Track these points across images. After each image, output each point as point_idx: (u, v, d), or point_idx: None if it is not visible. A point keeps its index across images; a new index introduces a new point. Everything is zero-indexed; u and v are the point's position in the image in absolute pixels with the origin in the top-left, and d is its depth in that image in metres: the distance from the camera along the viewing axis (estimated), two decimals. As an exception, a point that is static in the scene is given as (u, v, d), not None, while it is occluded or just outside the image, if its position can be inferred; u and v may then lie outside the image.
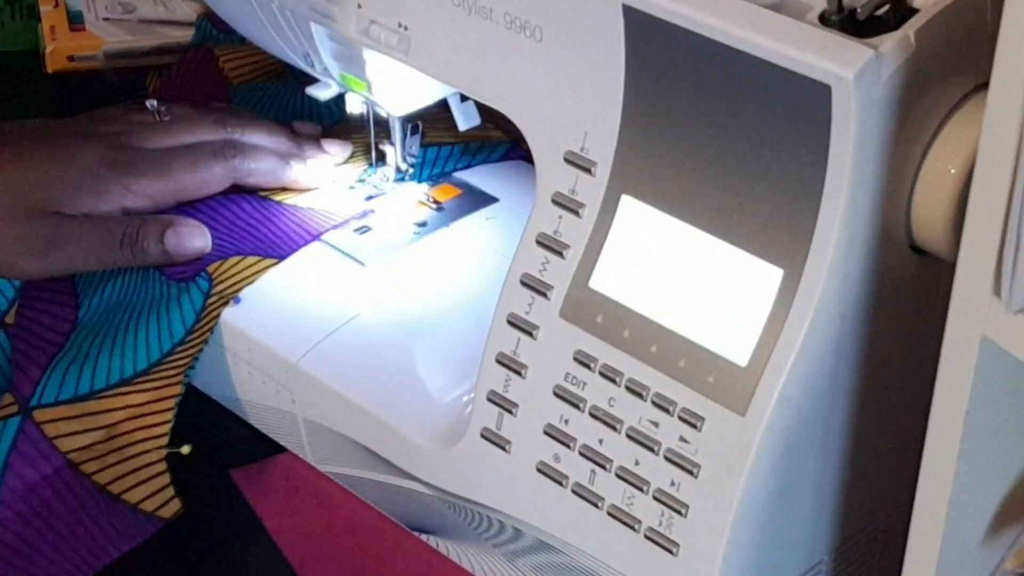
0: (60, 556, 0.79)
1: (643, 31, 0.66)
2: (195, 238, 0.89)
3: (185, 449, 0.84)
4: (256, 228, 0.91)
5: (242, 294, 0.87)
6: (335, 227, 0.92)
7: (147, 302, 0.88)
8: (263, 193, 0.94)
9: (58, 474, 0.82)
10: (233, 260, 0.89)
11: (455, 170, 0.97)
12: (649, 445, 0.69)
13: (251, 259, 0.89)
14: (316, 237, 0.90)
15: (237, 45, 1.09)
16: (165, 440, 0.84)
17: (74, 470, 0.82)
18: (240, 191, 0.93)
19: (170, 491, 0.82)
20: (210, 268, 0.88)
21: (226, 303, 0.86)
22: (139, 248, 0.88)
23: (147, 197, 0.90)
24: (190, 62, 1.09)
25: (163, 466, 0.83)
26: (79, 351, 0.86)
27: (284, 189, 0.93)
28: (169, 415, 0.84)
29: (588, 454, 0.71)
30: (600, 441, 0.71)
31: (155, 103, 0.95)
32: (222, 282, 0.88)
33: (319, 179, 0.94)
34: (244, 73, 1.08)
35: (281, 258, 0.89)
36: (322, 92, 0.92)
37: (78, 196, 0.88)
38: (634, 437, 0.69)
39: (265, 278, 0.88)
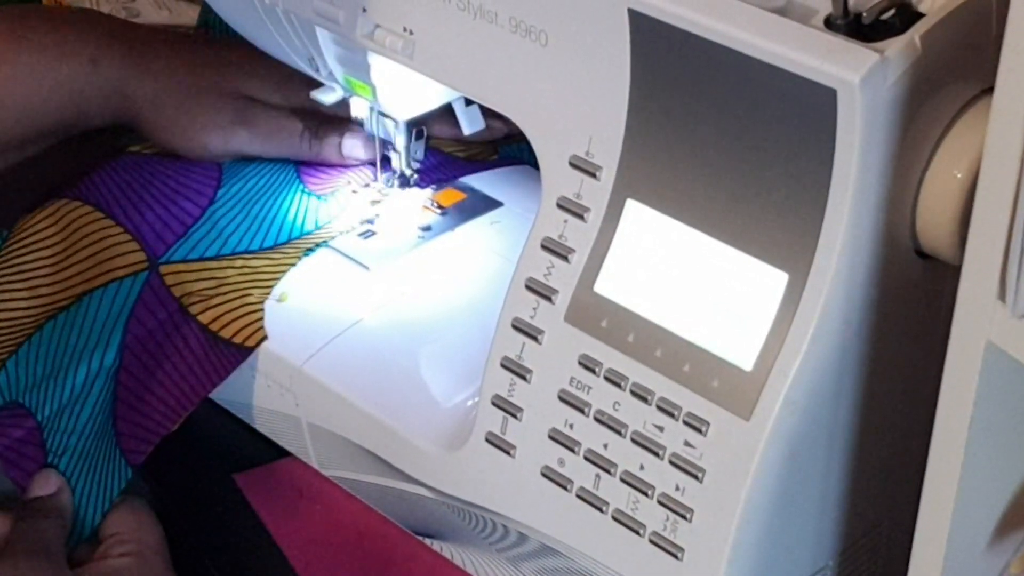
0: (167, 394, 0.86)
1: (648, 35, 0.65)
2: (365, 147, 0.95)
3: (285, 298, 0.88)
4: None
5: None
6: (340, 232, 0.92)
7: (285, 203, 0.95)
8: None
9: (171, 318, 0.88)
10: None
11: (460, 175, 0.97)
12: (654, 449, 0.69)
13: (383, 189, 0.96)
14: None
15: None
16: (269, 290, 0.89)
17: (183, 312, 0.88)
18: None
19: (259, 324, 0.86)
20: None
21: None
22: (318, 141, 0.94)
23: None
24: None
25: (260, 306, 0.87)
26: (214, 225, 0.92)
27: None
28: (280, 275, 0.90)
29: (593, 458, 0.71)
30: (605, 445, 0.71)
31: None
32: None
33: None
34: None
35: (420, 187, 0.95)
36: (327, 96, 0.92)
37: (274, 91, 0.96)
38: (639, 441, 0.69)
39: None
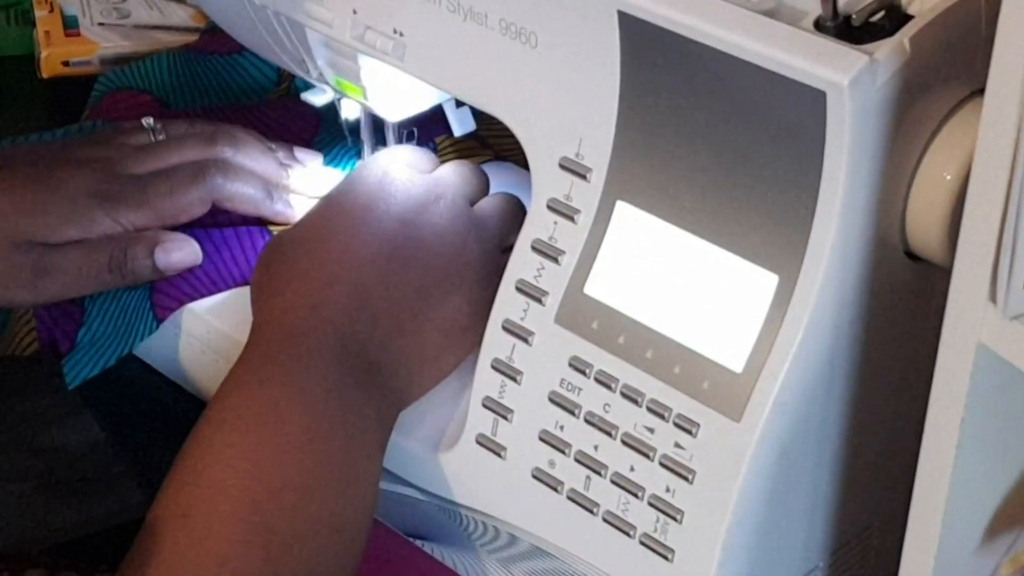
0: (211, 266, 0.88)
1: (638, 37, 0.65)
2: (185, 252, 0.88)
3: None
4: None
5: None
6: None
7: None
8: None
9: (248, 229, 0.90)
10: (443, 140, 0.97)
11: None
12: (644, 451, 0.69)
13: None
14: None
15: None
16: None
17: (263, 227, 0.90)
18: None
19: None
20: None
21: None
22: (128, 271, 0.87)
23: (131, 225, 0.88)
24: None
25: None
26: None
27: (260, 220, 0.92)
28: None
29: (583, 460, 0.71)
30: (595, 447, 0.71)
31: (151, 121, 0.93)
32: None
33: (296, 216, 0.92)
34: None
35: None
36: (317, 98, 0.92)
37: (65, 226, 0.87)
38: (629, 443, 0.69)
39: None
